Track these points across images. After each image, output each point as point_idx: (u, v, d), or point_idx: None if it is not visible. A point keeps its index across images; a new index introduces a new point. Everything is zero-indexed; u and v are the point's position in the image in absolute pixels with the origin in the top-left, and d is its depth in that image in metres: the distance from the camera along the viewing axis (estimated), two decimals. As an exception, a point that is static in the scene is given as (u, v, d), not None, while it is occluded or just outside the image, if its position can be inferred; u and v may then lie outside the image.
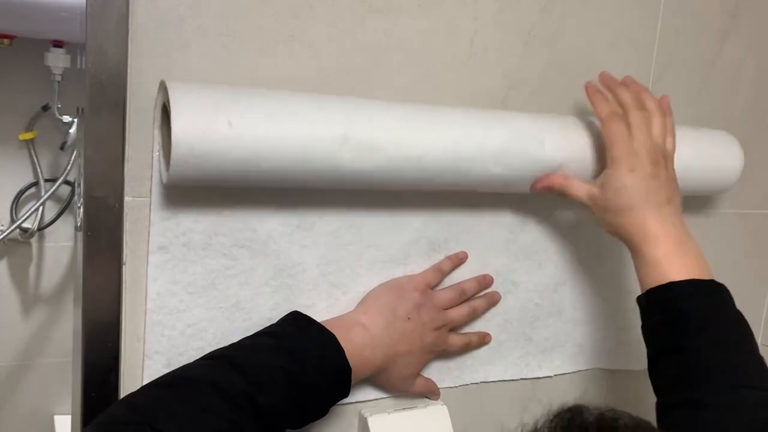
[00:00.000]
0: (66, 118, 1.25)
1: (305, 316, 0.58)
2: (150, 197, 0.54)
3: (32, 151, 1.30)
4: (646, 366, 0.59)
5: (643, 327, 0.59)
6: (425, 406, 0.67)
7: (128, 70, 0.51)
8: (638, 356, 0.67)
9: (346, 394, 0.57)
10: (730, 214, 0.84)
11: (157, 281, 0.55)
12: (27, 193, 1.33)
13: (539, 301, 0.73)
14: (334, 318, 0.61)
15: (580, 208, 0.63)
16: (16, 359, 1.35)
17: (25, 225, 1.27)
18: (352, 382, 0.57)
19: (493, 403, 0.73)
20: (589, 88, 0.63)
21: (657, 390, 0.57)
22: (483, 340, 0.70)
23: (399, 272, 0.65)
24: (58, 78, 1.23)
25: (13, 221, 1.27)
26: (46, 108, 1.28)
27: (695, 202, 0.80)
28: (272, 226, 0.58)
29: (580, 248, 0.74)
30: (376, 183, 0.56)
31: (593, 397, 0.79)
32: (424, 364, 0.66)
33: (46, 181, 1.31)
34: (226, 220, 0.56)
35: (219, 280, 0.57)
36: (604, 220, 0.61)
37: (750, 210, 0.86)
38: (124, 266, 0.54)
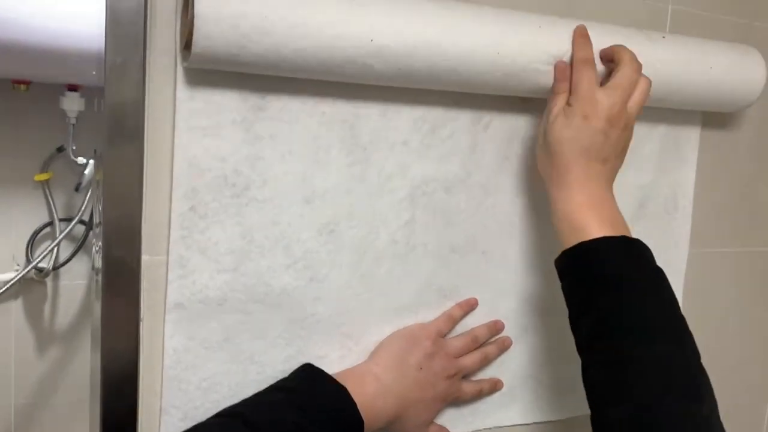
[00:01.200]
0: (81, 160, 1.28)
1: (316, 369, 0.59)
2: (167, 256, 0.55)
3: (47, 192, 1.33)
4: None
5: (561, 288, 0.59)
6: (439, 454, 0.68)
7: (145, 127, 0.53)
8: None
9: None
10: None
11: (174, 337, 0.56)
12: (42, 233, 1.35)
13: (549, 344, 0.73)
14: (347, 369, 0.61)
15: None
16: (31, 397, 1.36)
17: (40, 265, 1.29)
18: None
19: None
20: (578, 33, 0.60)
21: (578, 350, 0.57)
22: (495, 386, 0.70)
23: (410, 320, 0.65)
24: (73, 121, 1.26)
25: (28, 261, 1.29)
26: (61, 149, 1.31)
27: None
28: (286, 281, 0.59)
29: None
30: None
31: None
32: (437, 412, 0.66)
33: (61, 220, 1.33)
34: (241, 276, 0.57)
35: (234, 335, 0.58)
36: (540, 150, 0.61)
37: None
38: (141, 323, 0.55)
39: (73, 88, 1.24)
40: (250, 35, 0.49)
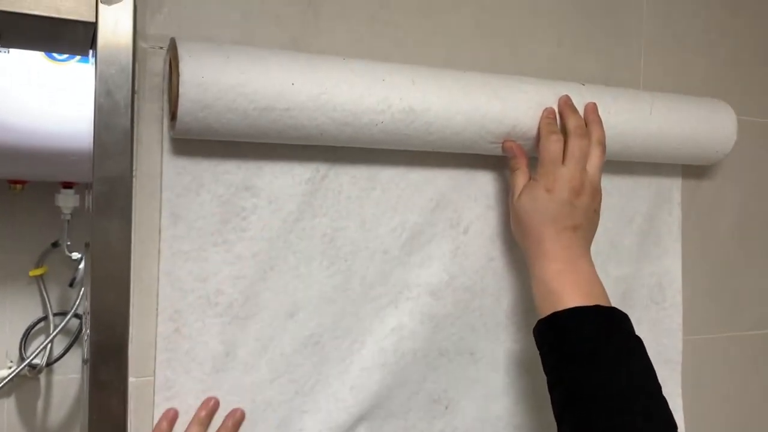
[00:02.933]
0: (75, 255, 1.29)
1: None
2: (154, 377, 0.55)
3: (42, 287, 1.33)
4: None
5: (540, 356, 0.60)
6: None
7: (132, 252, 0.54)
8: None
9: None
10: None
11: (160, 461, 0.55)
12: (36, 328, 1.34)
13: (544, 443, 0.72)
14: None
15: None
16: (22, 497, 1.32)
17: (34, 361, 1.28)
18: None
19: None
20: (545, 111, 0.62)
21: (556, 420, 0.56)
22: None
23: (400, 427, 0.65)
24: (68, 217, 1.28)
25: (22, 358, 1.29)
26: (56, 245, 1.32)
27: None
28: (271, 394, 0.59)
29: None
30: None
31: None
32: None
33: (56, 315, 1.34)
34: (227, 395, 0.57)
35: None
36: (513, 224, 0.64)
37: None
38: (127, 446, 0.55)
39: (67, 185, 1.27)
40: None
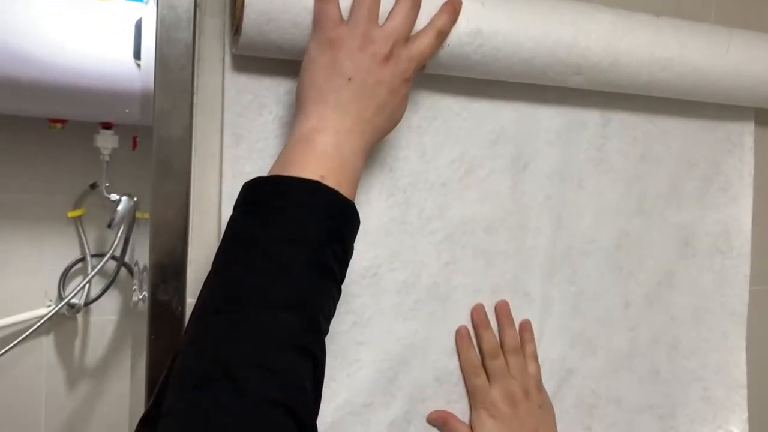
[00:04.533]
0: (113, 196, 1.29)
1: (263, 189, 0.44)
2: (209, 300, 0.55)
3: (80, 228, 1.34)
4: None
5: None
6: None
7: (192, 167, 0.53)
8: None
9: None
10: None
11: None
12: (74, 269, 1.36)
13: (597, 388, 0.71)
14: (281, 156, 0.47)
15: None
16: (62, 431, 1.36)
17: (72, 301, 1.30)
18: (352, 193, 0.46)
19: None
20: (459, 332, 0.63)
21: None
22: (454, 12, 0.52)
23: (452, 365, 0.64)
24: (107, 158, 1.28)
25: (60, 297, 1.30)
26: (94, 186, 1.33)
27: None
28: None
29: (633, 332, 0.72)
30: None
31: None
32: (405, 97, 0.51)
33: (93, 256, 1.35)
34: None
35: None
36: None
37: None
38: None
39: (107, 126, 1.26)
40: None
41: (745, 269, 0.76)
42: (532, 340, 0.66)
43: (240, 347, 0.38)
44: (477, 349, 0.64)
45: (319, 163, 0.44)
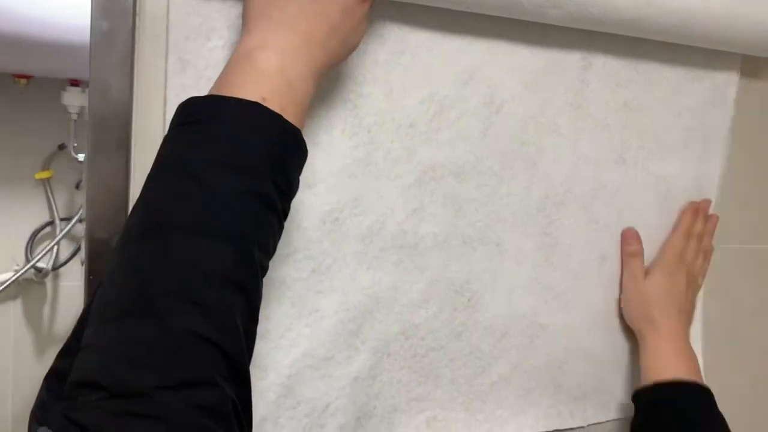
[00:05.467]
0: (81, 157, 1.25)
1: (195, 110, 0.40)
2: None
3: (48, 190, 1.30)
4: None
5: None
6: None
7: (133, 107, 0.49)
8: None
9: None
10: None
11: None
12: (42, 233, 1.32)
13: (568, 344, 0.68)
14: (220, 76, 0.42)
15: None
16: (30, 401, 1.33)
17: (39, 264, 1.26)
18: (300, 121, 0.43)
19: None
20: (690, 206, 0.72)
21: None
22: None
23: (420, 317, 0.61)
24: (75, 117, 1.23)
25: (28, 260, 1.26)
26: (62, 147, 1.28)
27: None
28: (286, 271, 0.55)
29: (609, 289, 0.70)
30: None
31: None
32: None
33: (62, 220, 1.30)
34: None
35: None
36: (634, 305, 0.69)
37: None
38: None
39: (74, 83, 1.21)
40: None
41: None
42: (711, 234, 0.73)
43: (164, 277, 0.35)
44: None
45: (260, 84, 0.40)
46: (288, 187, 0.41)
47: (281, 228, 0.42)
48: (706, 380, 0.68)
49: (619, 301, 0.70)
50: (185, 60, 0.49)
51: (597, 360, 0.70)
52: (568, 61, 0.63)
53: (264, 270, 0.40)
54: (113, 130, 0.47)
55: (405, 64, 0.57)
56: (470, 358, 0.64)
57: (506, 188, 0.63)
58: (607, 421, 0.72)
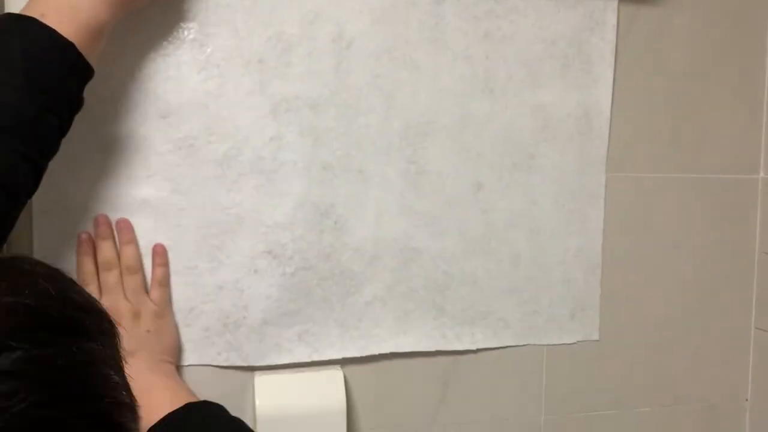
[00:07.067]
0: None
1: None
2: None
3: None
4: (581, 339, 0.65)
5: None
6: (319, 370, 0.68)
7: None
8: (574, 329, 0.69)
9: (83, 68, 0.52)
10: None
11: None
12: None
13: (447, 268, 0.72)
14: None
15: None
16: None
17: None
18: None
19: (408, 378, 0.72)
20: (79, 237, 0.61)
21: None
22: None
23: (287, 237, 0.67)
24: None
25: None
26: None
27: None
28: (147, 191, 0.63)
29: (487, 214, 0.72)
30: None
31: (530, 376, 0.75)
32: None
33: None
34: (103, 190, 0.62)
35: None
36: None
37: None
38: None
39: None
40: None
41: (603, 151, 0.74)
42: (164, 265, 0.63)
43: None
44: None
45: (43, 2, 0.49)
46: (68, 99, 0.52)
47: (60, 132, 0.52)
48: (609, 307, 0.68)
49: None
50: None
51: (481, 285, 0.73)
52: (418, -3, 0.68)
53: (42, 167, 0.51)
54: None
55: (248, 7, 0.64)
56: (341, 278, 0.69)
57: (364, 119, 0.68)
58: (500, 347, 0.74)
